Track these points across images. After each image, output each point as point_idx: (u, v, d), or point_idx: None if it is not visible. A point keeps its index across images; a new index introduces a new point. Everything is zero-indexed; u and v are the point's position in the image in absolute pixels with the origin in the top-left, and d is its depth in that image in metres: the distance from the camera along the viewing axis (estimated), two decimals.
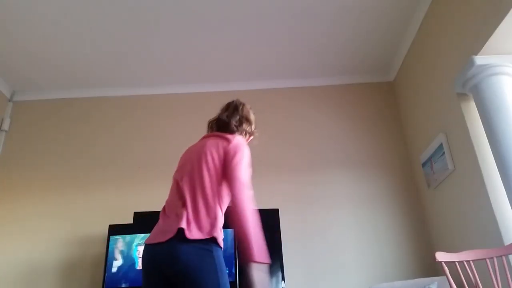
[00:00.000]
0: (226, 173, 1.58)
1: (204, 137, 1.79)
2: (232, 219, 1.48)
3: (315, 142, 3.60)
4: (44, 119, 3.73)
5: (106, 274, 2.76)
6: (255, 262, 1.42)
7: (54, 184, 3.43)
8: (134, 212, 2.98)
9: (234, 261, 2.69)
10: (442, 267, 1.90)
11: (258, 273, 1.43)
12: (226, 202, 1.62)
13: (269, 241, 2.87)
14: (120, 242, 2.85)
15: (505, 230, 2.24)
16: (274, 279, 2.79)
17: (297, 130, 3.66)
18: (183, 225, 1.46)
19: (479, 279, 1.89)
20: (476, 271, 1.89)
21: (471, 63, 2.39)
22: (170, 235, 1.47)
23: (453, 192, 2.78)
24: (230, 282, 2.62)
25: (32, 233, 3.23)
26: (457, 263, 1.92)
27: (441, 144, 2.84)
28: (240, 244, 1.47)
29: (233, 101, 1.90)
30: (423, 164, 3.17)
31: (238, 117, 1.80)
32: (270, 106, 3.76)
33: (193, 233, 1.46)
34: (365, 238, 3.22)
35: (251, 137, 1.88)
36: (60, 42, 3.23)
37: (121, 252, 2.82)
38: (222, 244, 1.56)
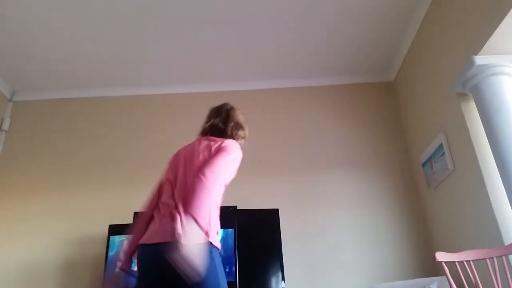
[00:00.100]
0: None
1: (197, 140, 1.79)
2: (192, 187, 1.47)
3: (315, 142, 3.60)
4: (44, 119, 3.73)
5: (106, 274, 2.76)
6: (191, 215, 1.38)
7: (54, 184, 3.43)
8: (134, 212, 2.98)
9: (234, 261, 2.69)
10: (442, 267, 1.90)
11: (190, 249, 1.36)
12: (219, 201, 1.62)
13: (269, 241, 2.90)
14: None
15: (505, 230, 2.24)
16: (274, 279, 2.79)
17: (297, 130, 3.66)
18: (179, 229, 1.46)
19: (479, 279, 1.89)
20: (476, 271, 1.89)
21: (471, 63, 2.39)
22: (169, 237, 1.47)
23: (453, 192, 2.78)
24: (230, 282, 2.63)
25: (32, 233, 3.23)
26: (457, 263, 1.92)
27: (441, 144, 2.84)
28: (184, 203, 1.46)
29: (223, 106, 1.90)
30: (423, 164, 3.17)
31: (232, 123, 1.82)
32: (270, 106, 3.76)
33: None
34: (365, 238, 3.22)
35: (243, 140, 1.88)
36: (60, 42, 3.23)
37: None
38: (219, 245, 1.57)
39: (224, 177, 1.56)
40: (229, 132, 1.79)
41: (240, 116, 1.89)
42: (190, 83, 3.83)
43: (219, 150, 1.62)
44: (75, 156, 3.56)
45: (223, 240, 2.74)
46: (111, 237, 2.87)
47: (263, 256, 2.86)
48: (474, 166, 2.47)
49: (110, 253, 2.82)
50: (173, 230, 1.45)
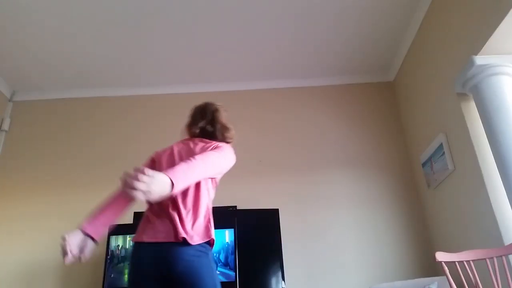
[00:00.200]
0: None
1: (190, 141, 1.77)
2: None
3: (315, 142, 3.60)
4: (44, 119, 3.73)
5: (106, 274, 2.76)
6: (169, 177, 1.30)
7: (54, 184, 3.43)
8: (134, 212, 2.97)
9: (234, 261, 2.69)
10: (442, 267, 1.89)
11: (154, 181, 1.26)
12: (211, 201, 1.65)
13: (269, 241, 2.90)
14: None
15: (505, 230, 2.24)
16: (274, 279, 2.79)
17: (297, 130, 3.66)
18: (180, 229, 1.48)
19: (479, 279, 1.89)
20: (476, 271, 1.89)
21: (471, 63, 2.39)
22: (170, 237, 1.47)
23: (453, 192, 2.78)
24: (230, 282, 2.63)
25: (32, 233, 3.23)
26: (457, 263, 1.92)
27: (441, 144, 2.84)
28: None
29: (208, 107, 1.86)
30: (423, 164, 3.17)
31: (219, 125, 1.80)
32: (270, 106, 3.76)
33: (194, 239, 1.49)
34: (365, 238, 3.22)
35: (232, 141, 1.87)
36: (60, 42, 3.23)
37: (121, 252, 2.83)
38: (213, 245, 1.60)
39: (212, 167, 1.56)
40: (219, 136, 1.79)
41: (225, 117, 1.86)
42: (190, 83, 3.83)
43: (214, 148, 1.64)
44: (75, 156, 3.56)
45: (223, 240, 2.74)
46: (111, 237, 2.87)
47: (263, 256, 2.86)
48: (474, 166, 2.47)
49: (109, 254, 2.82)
50: (176, 232, 1.47)
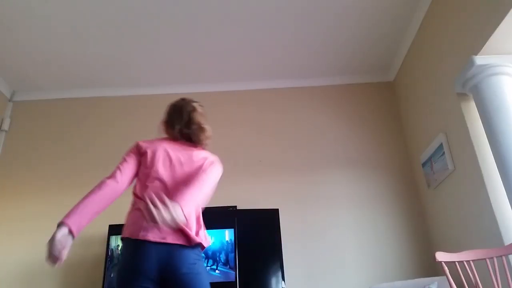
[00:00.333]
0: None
1: (177, 143, 1.77)
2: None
3: (315, 142, 3.60)
4: (44, 119, 3.73)
5: (106, 274, 2.76)
6: (179, 204, 1.45)
7: (54, 184, 3.43)
8: None
9: (234, 261, 2.69)
10: (442, 267, 1.89)
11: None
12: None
13: (269, 241, 2.90)
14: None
15: (505, 230, 2.24)
16: (274, 279, 2.79)
17: (297, 130, 3.65)
18: (193, 234, 1.52)
19: (479, 279, 1.89)
20: (476, 271, 1.89)
21: (471, 63, 2.39)
22: (179, 239, 1.49)
23: (453, 192, 2.78)
24: (230, 282, 2.63)
25: (32, 233, 3.22)
26: (457, 263, 1.92)
27: (441, 144, 2.84)
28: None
29: (184, 108, 1.82)
30: (423, 164, 3.17)
31: (195, 126, 1.78)
32: (270, 106, 3.76)
33: (194, 239, 1.52)
34: (365, 238, 3.22)
35: (209, 140, 1.85)
36: (60, 42, 3.23)
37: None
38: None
39: (211, 190, 1.62)
40: (195, 139, 1.78)
41: (201, 114, 1.82)
42: (190, 83, 3.82)
43: (210, 165, 1.69)
44: (75, 156, 3.56)
45: (223, 240, 2.74)
46: (111, 237, 2.87)
47: (263, 256, 2.86)
48: (474, 166, 2.47)
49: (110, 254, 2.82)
50: (187, 236, 1.50)
